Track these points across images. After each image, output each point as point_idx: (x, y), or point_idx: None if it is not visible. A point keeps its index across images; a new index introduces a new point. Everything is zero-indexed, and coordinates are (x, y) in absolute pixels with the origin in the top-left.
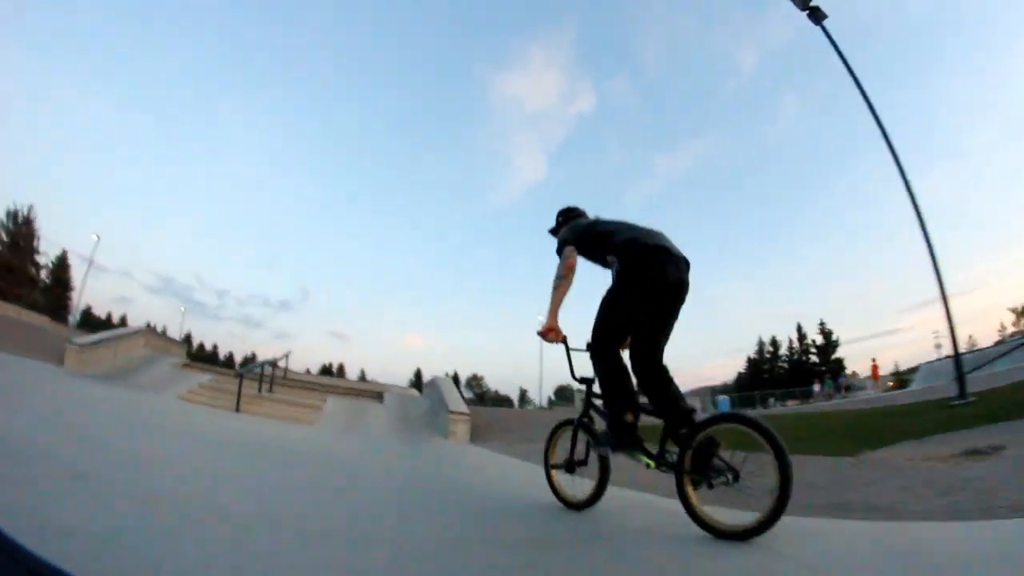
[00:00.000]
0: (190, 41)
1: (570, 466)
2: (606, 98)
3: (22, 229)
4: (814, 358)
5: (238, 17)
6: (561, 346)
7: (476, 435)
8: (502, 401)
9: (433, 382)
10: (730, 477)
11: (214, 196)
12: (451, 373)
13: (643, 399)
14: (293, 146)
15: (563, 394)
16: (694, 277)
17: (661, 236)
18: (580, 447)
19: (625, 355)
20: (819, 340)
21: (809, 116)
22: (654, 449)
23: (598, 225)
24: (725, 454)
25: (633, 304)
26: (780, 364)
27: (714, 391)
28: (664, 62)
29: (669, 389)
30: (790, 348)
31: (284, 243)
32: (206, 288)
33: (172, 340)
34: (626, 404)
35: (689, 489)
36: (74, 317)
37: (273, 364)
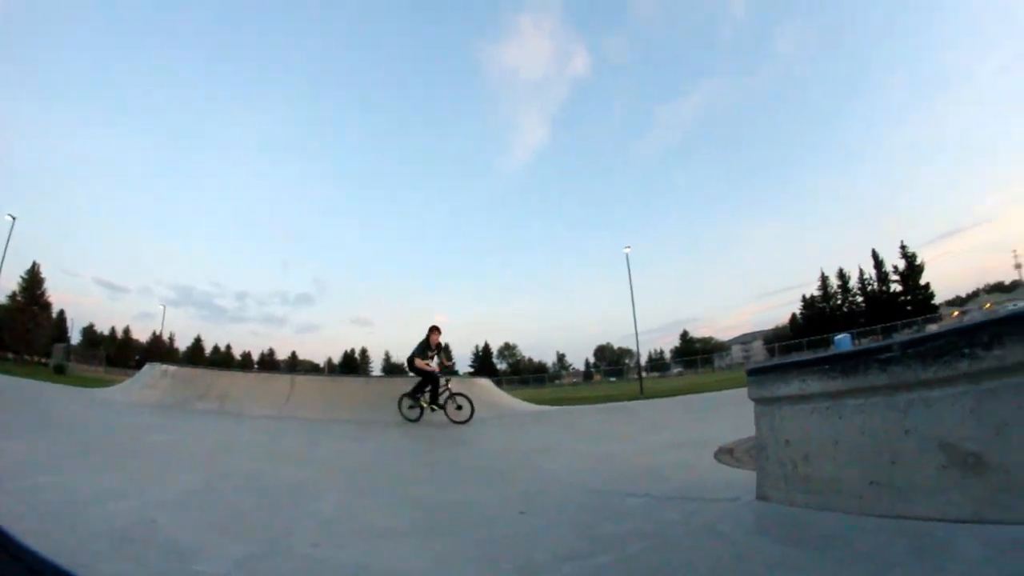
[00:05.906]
0: (166, 40)
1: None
2: (601, 56)
3: (39, 290)
4: (896, 286)
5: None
6: None
7: None
8: (537, 371)
9: None
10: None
11: (220, 201)
12: (481, 346)
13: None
14: (289, 143)
15: (603, 354)
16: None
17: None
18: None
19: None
20: (901, 265)
21: (809, 51)
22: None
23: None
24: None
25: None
26: (853, 298)
27: (766, 337)
28: (655, 13)
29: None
30: (861, 279)
31: (296, 240)
32: (225, 293)
33: None
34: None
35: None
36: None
37: None
